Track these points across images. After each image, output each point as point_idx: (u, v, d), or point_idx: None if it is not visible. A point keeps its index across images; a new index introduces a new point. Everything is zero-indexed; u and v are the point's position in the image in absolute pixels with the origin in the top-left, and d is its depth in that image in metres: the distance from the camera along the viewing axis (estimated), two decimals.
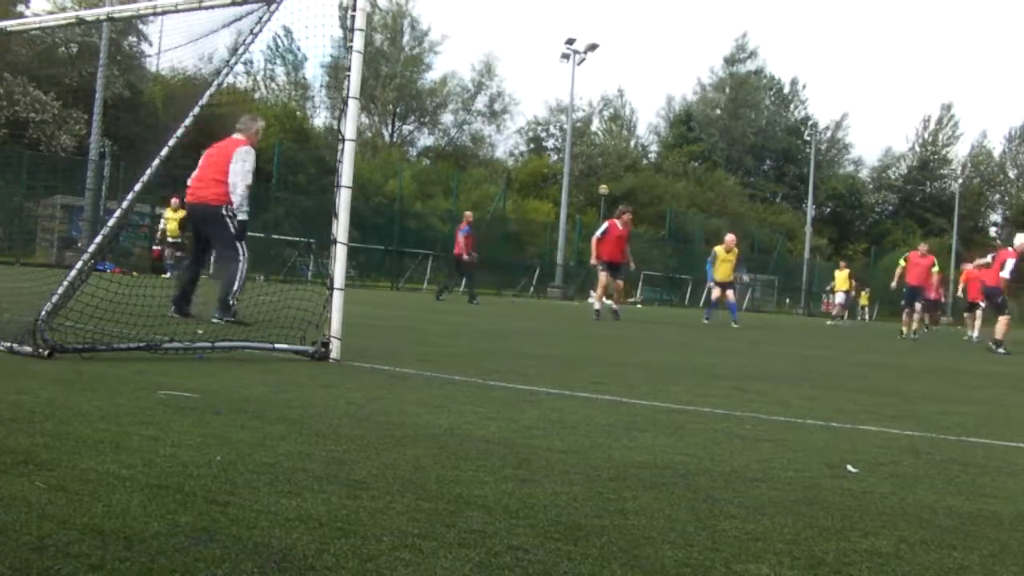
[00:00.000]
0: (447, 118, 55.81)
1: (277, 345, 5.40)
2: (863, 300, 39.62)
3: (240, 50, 5.77)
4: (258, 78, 47.44)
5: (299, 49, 49.66)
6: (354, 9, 5.44)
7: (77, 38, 31.49)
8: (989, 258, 14.44)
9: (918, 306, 17.27)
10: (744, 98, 61.23)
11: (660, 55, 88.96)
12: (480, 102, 55.91)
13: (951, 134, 65.11)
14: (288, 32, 44.68)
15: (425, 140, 56.27)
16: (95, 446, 2.62)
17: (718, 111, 61.20)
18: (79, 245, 21.41)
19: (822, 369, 8.21)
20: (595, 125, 60.23)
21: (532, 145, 59.48)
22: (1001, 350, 12.86)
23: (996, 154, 65.04)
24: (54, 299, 4.87)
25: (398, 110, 53.51)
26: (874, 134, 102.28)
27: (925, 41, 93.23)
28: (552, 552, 1.92)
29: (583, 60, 36.70)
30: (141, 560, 1.69)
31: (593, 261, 14.64)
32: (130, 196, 5.52)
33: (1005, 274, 13.35)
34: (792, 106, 65.21)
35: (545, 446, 3.13)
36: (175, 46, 6.79)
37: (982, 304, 18.25)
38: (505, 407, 4.03)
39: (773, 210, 58.70)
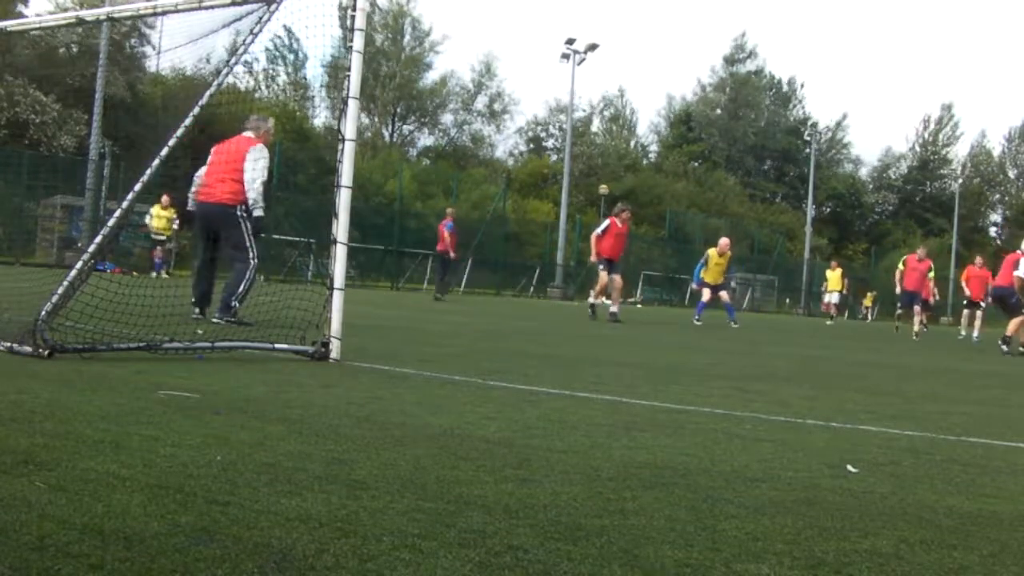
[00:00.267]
0: (447, 118, 55.88)
1: (277, 345, 5.40)
2: (867, 301, 39.61)
3: (240, 50, 5.76)
4: (259, 78, 47.45)
5: (299, 49, 49.68)
6: (354, 9, 5.44)
7: (76, 39, 31.49)
8: (979, 262, 14.36)
9: (916, 308, 17.28)
10: (744, 98, 61.22)
11: (660, 55, 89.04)
12: (480, 102, 55.96)
13: (951, 134, 65.16)
14: (288, 32, 44.77)
15: (425, 140, 56.33)
16: (95, 446, 2.62)
17: (718, 111, 61.18)
18: (79, 245, 21.39)
19: (822, 369, 8.21)
20: (595, 125, 60.29)
21: (532, 145, 59.50)
22: (1005, 347, 12.83)
23: (996, 154, 65.11)
24: (54, 299, 4.87)
25: (398, 110, 53.52)
26: (874, 134, 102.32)
27: (925, 41, 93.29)
28: (552, 552, 1.92)
29: (583, 60, 36.71)
30: (141, 560, 1.69)
31: (593, 258, 14.61)
32: (130, 196, 5.52)
33: (1021, 273, 13.27)
34: (792, 106, 65.23)
35: (545, 446, 3.13)
36: (175, 46, 6.79)
37: (983, 304, 18.27)
38: (505, 407, 4.03)
39: (773, 210, 58.71)
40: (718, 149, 60.55)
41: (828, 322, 26.22)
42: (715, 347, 10.27)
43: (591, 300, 14.45)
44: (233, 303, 7.43)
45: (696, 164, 58.42)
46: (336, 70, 43.05)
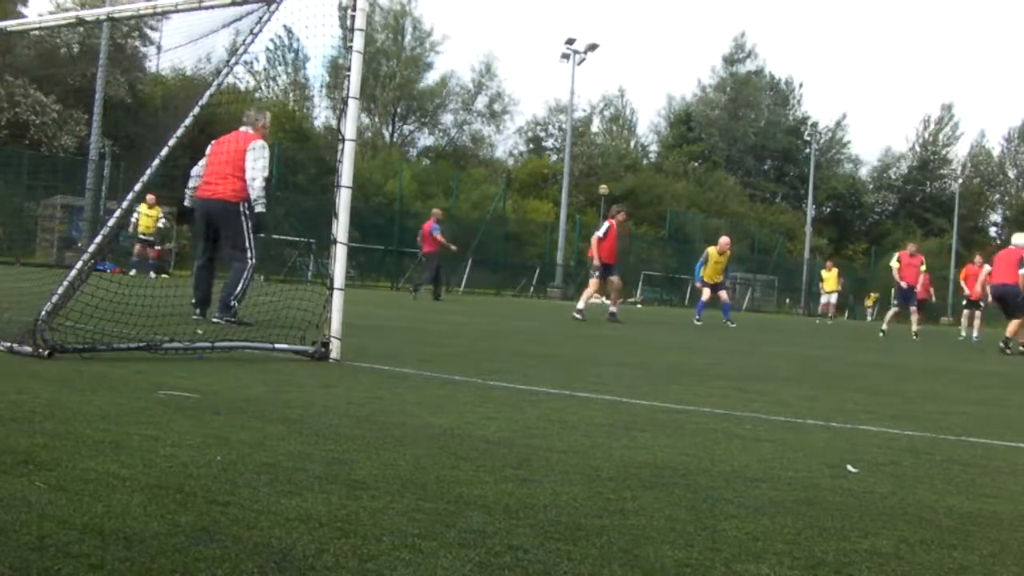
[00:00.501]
0: (447, 118, 55.89)
1: (277, 345, 5.40)
2: (868, 302, 39.61)
3: (240, 50, 5.76)
4: (259, 78, 47.45)
5: (299, 49, 49.68)
6: (354, 9, 5.44)
7: (77, 39, 31.51)
8: (978, 261, 14.25)
9: (913, 308, 17.26)
10: (744, 98, 61.22)
11: (660, 55, 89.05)
12: (480, 102, 55.97)
13: (951, 134, 65.18)
14: (288, 32, 44.76)
15: (425, 140, 56.34)
16: (95, 446, 2.62)
17: (718, 111, 61.18)
18: (79, 245, 21.39)
19: (822, 369, 8.21)
20: (595, 125, 60.30)
21: (532, 145, 59.50)
22: (1008, 350, 12.80)
23: (995, 154, 65.14)
24: (54, 299, 4.87)
25: (398, 110, 53.53)
26: (874, 134, 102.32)
27: (925, 41, 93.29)
28: (552, 552, 1.92)
29: (583, 60, 36.72)
30: (141, 560, 1.69)
31: (596, 262, 14.51)
32: (130, 196, 5.52)
33: None
34: (792, 106, 65.25)
35: (545, 446, 3.13)
36: (175, 46, 6.80)
37: (982, 304, 18.25)
38: (505, 407, 4.03)
39: (773, 210, 58.72)
40: (718, 149, 60.55)
41: (828, 322, 26.18)
42: (715, 347, 10.27)
43: (581, 306, 14.29)
44: (232, 302, 7.42)
45: (696, 164, 58.43)
46: (336, 70, 43.07)
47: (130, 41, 35.55)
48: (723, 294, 16.75)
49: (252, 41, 5.65)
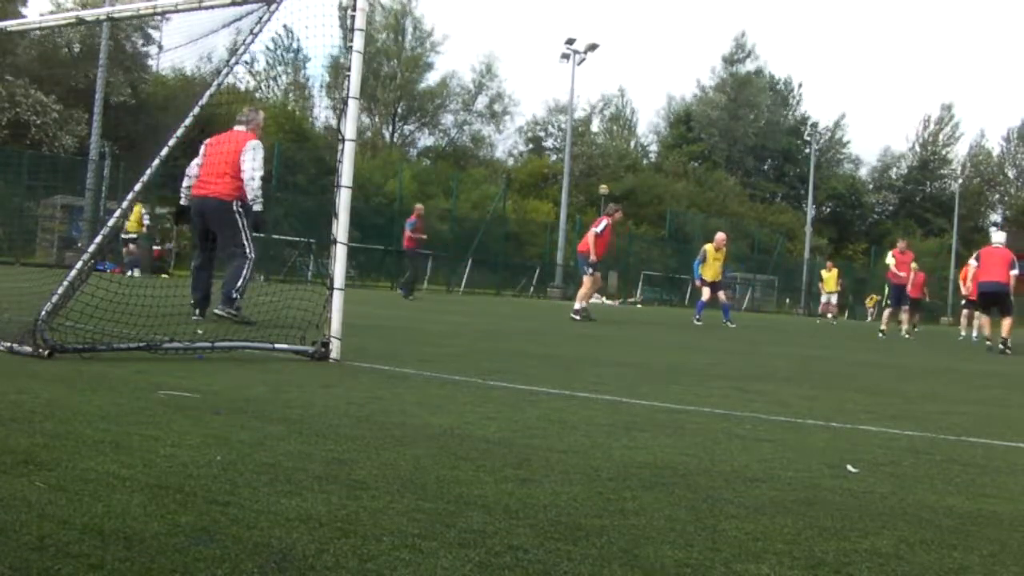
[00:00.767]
0: (447, 119, 55.90)
1: (277, 345, 5.40)
2: (869, 302, 39.61)
3: (240, 50, 5.77)
4: (259, 78, 47.47)
5: (299, 49, 49.69)
6: (354, 9, 5.44)
7: (78, 39, 31.50)
8: (972, 260, 14.20)
9: (905, 308, 17.26)
10: (744, 98, 61.22)
11: (660, 55, 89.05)
12: (480, 103, 55.98)
13: (951, 134, 65.19)
14: (288, 32, 44.77)
15: (425, 140, 56.35)
16: (95, 446, 2.62)
17: (718, 111, 61.18)
18: (79, 245, 21.39)
19: (822, 369, 8.20)
20: (595, 125, 60.30)
21: (532, 145, 59.50)
22: (1009, 351, 12.79)
23: (995, 154, 65.14)
24: (54, 299, 4.87)
25: (399, 110, 53.54)
26: (874, 134, 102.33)
27: (925, 41, 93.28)
28: (552, 552, 1.92)
29: (583, 60, 36.72)
30: (141, 560, 1.69)
31: (594, 259, 14.47)
32: (130, 196, 5.52)
33: (1017, 272, 13.19)
34: (792, 106, 65.25)
35: (545, 446, 3.13)
36: (175, 46, 6.80)
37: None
38: (505, 407, 4.03)
39: (773, 210, 58.71)
40: (718, 149, 60.55)
41: (832, 323, 26.17)
42: (715, 347, 10.27)
43: (579, 305, 14.22)
44: (234, 295, 7.42)
45: (696, 164, 58.44)
46: (336, 70, 43.08)
47: (132, 41, 35.56)
48: (722, 294, 16.74)
49: (252, 41, 5.65)
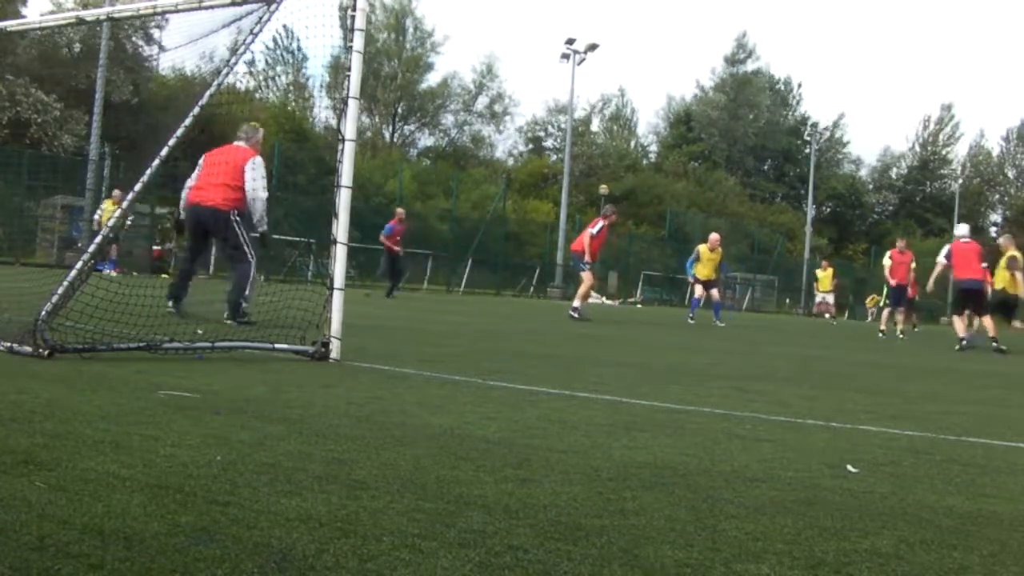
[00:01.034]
0: (448, 119, 55.91)
1: (277, 345, 5.40)
2: (870, 303, 39.58)
3: (240, 50, 5.77)
4: (259, 78, 47.43)
5: (299, 49, 49.68)
6: (354, 9, 5.45)
7: (79, 39, 31.50)
8: (943, 257, 14.17)
9: (901, 308, 17.24)
10: (744, 98, 61.22)
11: (660, 55, 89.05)
12: (481, 103, 55.99)
13: (951, 134, 65.18)
14: (288, 32, 44.75)
15: (425, 140, 56.36)
16: (95, 446, 2.62)
17: (718, 111, 61.17)
18: (79, 245, 21.38)
19: (822, 369, 8.20)
20: (595, 125, 60.30)
21: (532, 145, 59.50)
22: (1003, 348, 12.81)
23: (995, 154, 65.13)
24: (54, 299, 4.87)
25: (399, 110, 53.55)
26: (873, 134, 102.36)
27: (925, 41, 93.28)
28: (552, 552, 1.92)
29: (583, 60, 36.72)
30: (141, 560, 1.69)
31: (589, 259, 14.48)
32: (130, 196, 5.53)
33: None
34: (792, 106, 65.26)
35: (545, 446, 3.13)
36: (175, 46, 6.80)
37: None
38: (505, 407, 4.03)
39: (773, 210, 58.70)
40: (718, 149, 60.54)
41: (832, 322, 26.16)
42: (715, 347, 10.27)
43: (578, 304, 14.22)
44: (243, 303, 7.49)
45: (696, 164, 58.42)
46: (336, 70, 43.02)
47: (133, 41, 35.56)
48: (715, 293, 16.80)
49: (252, 41, 5.65)
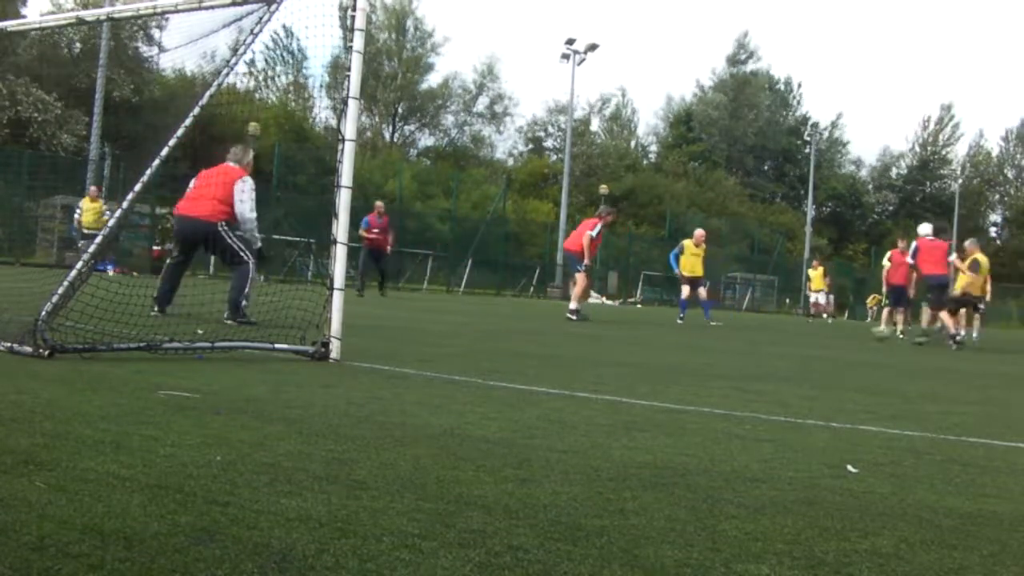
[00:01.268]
0: (448, 119, 55.91)
1: (277, 345, 5.40)
2: (871, 302, 39.54)
3: (240, 50, 5.77)
4: (259, 78, 47.41)
5: (299, 49, 49.66)
6: (354, 9, 5.44)
7: (79, 38, 31.48)
8: (909, 257, 14.30)
9: (900, 308, 17.24)
10: (744, 98, 61.21)
11: (660, 55, 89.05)
12: (481, 103, 55.99)
13: (951, 134, 65.18)
14: (288, 32, 44.73)
15: (426, 140, 56.36)
16: (95, 446, 2.62)
17: (718, 111, 61.16)
18: (79, 245, 21.36)
19: (822, 369, 8.20)
20: (595, 125, 60.29)
21: (532, 145, 59.49)
22: (957, 342, 13.03)
23: (994, 154, 65.13)
24: (54, 299, 4.87)
25: (399, 110, 53.55)
26: (873, 134, 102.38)
27: (925, 41, 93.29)
28: (552, 552, 1.92)
29: (583, 60, 36.76)
30: (141, 560, 1.69)
31: (587, 262, 14.44)
32: (130, 196, 5.52)
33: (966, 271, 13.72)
34: (793, 107, 65.26)
35: (545, 446, 3.13)
36: (175, 46, 6.80)
37: (982, 307, 18.26)
38: (505, 407, 4.03)
39: (773, 210, 58.69)
40: (718, 149, 60.54)
41: (828, 321, 26.18)
42: (715, 347, 10.27)
43: (575, 305, 14.19)
44: (243, 302, 7.60)
45: (696, 164, 58.41)
46: (336, 70, 43.03)
47: (134, 45, 35.54)
48: (702, 291, 16.79)
49: (252, 41, 5.65)
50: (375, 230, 18.27)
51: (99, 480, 2.23)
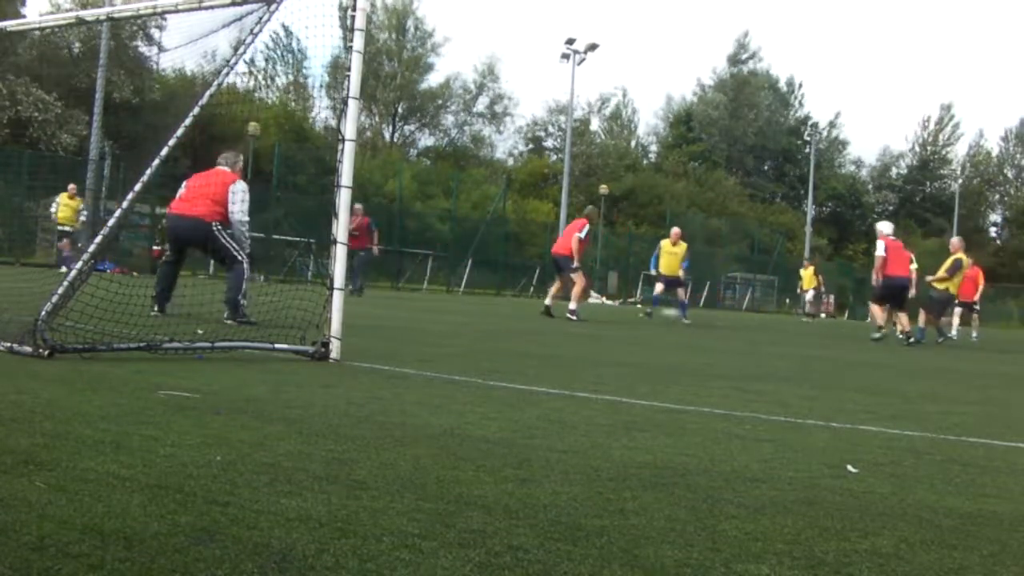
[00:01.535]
0: (448, 119, 55.90)
1: (277, 345, 5.40)
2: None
3: (240, 50, 5.77)
4: (259, 78, 47.40)
5: (299, 49, 49.66)
6: (354, 9, 5.44)
7: (79, 38, 31.48)
8: (883, 251, 14.37)
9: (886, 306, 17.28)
10: (744, 98, 61.20)
11: (660, 55, 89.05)
12: (481, 103, 55.98)
13: (951, 134, 65.18)
14: (288, 32, 44.73)
15: (426, 140, 56.35)
16: (95, 446, 2.62)
17: (718, 111, 61.14)
18: (79, 245, 21.34)
19: (822, 369, 8.20)
20: (595, 125, 60.29)
21: (532, 145, 59.48)
22: (911, 340, 13.24)
23: (994, 154, 65.13)
24: (54, 299, 4.87)
25: (399, 110, 53.54)
26: (873, 134, 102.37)
27: (924, 41, 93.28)
28: (552, 552, 1.92)
29: (583, 60, 36.71)
30: (141, 560, 1.69)
31: (577, 263, 14.44)
32: (130, 196, 5.52)
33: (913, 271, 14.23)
34: (795, 108, 65.26)
35: (545, 446, 3.13)
36: (175, 47, 6.80)
37: (977, 307, 18.36)
38: (505, 407, 4.03)
39: (773, 210, 58.67)
40: (718, 149, 60.53)
41: (804, 319, 26.24)
42: (715, 347, 10.27)
43: (574, 305, 14.19)
44: (241, 300, 7.64)
45: (696, 164, 58.41)
46: (336, 70, 43.03)
47: (134, 46, 35.52)
48: (680, 292, 16.89)
49: (252, 41, 5.65)
50: (355, 232, 18.37)
51: (99, 480, 2.23)
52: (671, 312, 16.69)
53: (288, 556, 1.77)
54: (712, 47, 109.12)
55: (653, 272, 17.01)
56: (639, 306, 29.51)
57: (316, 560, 1.76)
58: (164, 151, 5.40)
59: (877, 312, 14.42)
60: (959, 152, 65.31)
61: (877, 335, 13.65)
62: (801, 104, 65.28)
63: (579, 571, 1.82)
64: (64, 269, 18.07)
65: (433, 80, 54.39)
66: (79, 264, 5.16)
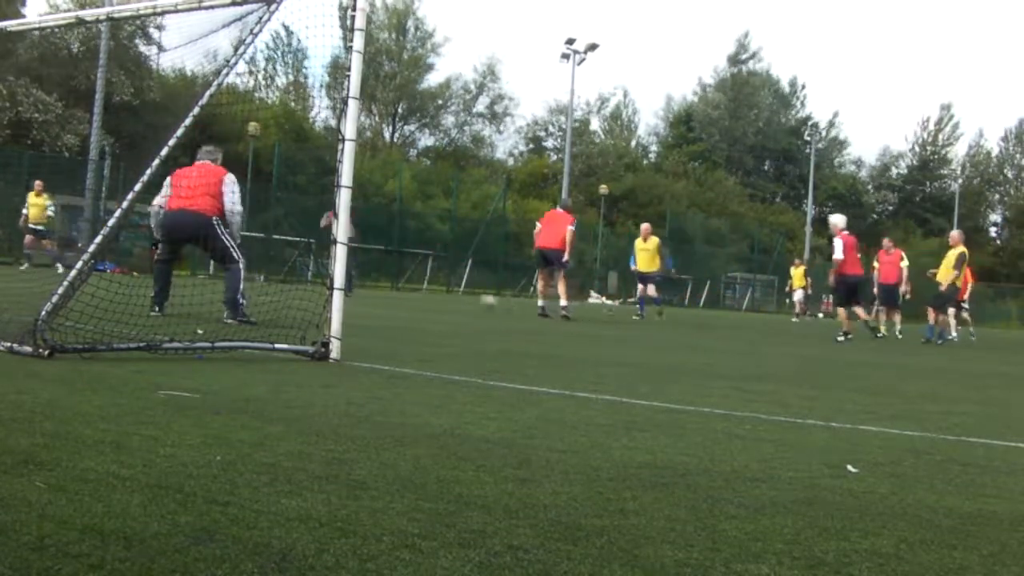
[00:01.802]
0: (448, 119, 55.90)
1: (277, 345, 5.40)
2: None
3: (240, 50, 5.77)
4: (259, 78, 47.46)
5: (299, 49, 49.66)
6: (354, 9, 5.44)
7: (79, 38, 31.48)
8: (841, 253, 14.36)
9: (883, 308, 17.27)
10: (745, 98, 61.18)
11: (660, 55, 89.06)
12: (481, 103, 55.98)
13: (951, 134, 65.15)
14: (288, 32, 44.75)
15: (426, 140, 56.35)
16: (95, 446, 2.62)
17: (718, 111, 61.13)
18: (79, 245, 21.34)
19: (822, 369, 8.20)
20: (595, 125, 60.29)
21: (532, 145, 59.48)
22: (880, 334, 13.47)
23: (994, 154, 65.10)
24: (54, 299, 4.87)
25: (399, 110, 53.54)
26: (873, 134, 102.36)
27: (924, 41, 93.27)
28: (552, 552, 1.92)
29: (583, 60, 36.77)
30: (141, 560, 1.69)
31: (567, 258, 14.43)
32: (130, 196, 5.52)
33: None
34: (795, 108, 65.23)
35: (545, 446, 3.13)
36: (175, 47, 6.80)
37: (966, 305, 18.38)
38: (505, 407, 4.03)
39: (773, 210, 58.66)
40: (718, 149, 60.52)
41: (793, 319, 26.23)
42: (715, 347, 10.27)
43: (565, 303, 14.20)
44: (240, 300, 7.66)
45: (696, 164, 58.41)
46: (336, 70, 43.04)
47: (134, 45, 35.52)
48: (651, 288, 17.06)
49: (252, 41, 5.65)
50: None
51: (99, 480, 2.23)
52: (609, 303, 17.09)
53: (288, 556, 1.77)
54: (712, 47, 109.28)
55: (632, 268, 17.39)
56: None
57: (316, 560, 1.76)
58: (164, 151, 5.40)
59: (842, 314, 14.57)
60: (959, 152, 65.33)
61: (841, 337, 13.64)
62: (802, 104, 65.36)
63: (579, 571, 1.82)
64: (26, 266, 17.92)
65: (433, 80, 54.46)
66: (79, 264, 5.16)
